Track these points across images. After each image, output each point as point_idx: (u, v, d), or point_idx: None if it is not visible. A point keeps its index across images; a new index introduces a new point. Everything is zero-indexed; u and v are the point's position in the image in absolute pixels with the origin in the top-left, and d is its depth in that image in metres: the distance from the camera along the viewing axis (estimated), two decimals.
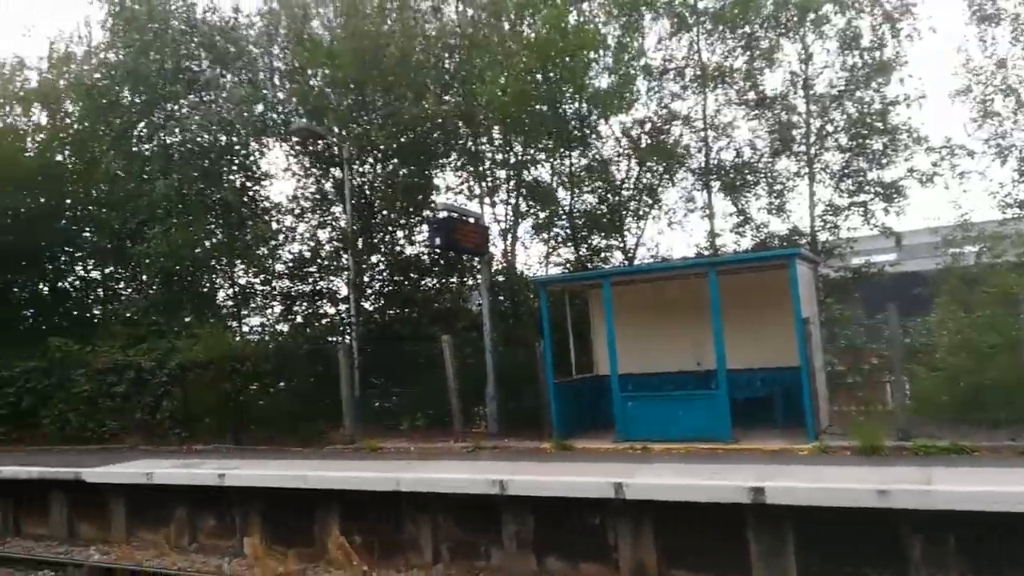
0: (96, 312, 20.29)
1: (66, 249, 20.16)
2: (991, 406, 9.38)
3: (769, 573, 7.44)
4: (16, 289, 20.06)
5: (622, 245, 17.32)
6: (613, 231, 17.35)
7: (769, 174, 15.99)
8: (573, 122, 16.69)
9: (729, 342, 10.72)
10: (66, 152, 19.90)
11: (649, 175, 17.21)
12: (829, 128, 15.53)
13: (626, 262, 16.85)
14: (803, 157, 15.60)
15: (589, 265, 17.03)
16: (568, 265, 17.68)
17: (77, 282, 20.91)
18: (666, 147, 16.63)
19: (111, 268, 20.17)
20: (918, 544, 6.92)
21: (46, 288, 20.63)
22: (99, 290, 20.75)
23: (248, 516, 10.32)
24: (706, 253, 16.10)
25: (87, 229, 19.55)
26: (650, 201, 17.21)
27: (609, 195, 17.38)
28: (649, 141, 16.94)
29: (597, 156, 17.49)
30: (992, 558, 6.71)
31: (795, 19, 15.39)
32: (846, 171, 15.26)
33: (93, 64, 20.20)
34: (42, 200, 19.21)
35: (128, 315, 17.80)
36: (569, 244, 17.88)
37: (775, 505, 7.28)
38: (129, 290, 19.93)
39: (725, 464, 8.76)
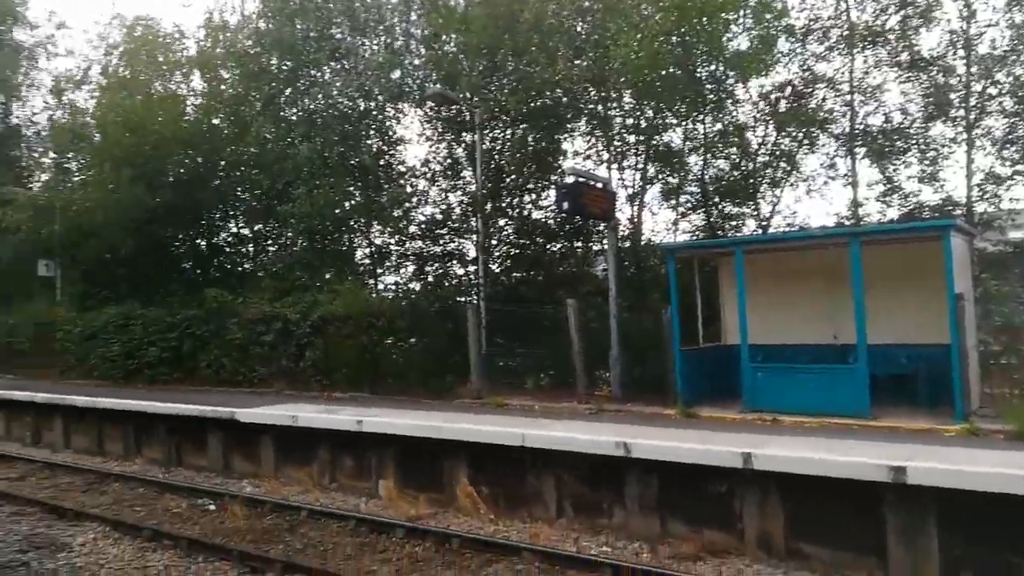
0: (247, 266, 21.92)
1: (220, 207, 21.79)
2: None
3: (907, 557, 7.17)
4: (177, 243, 21.93)
5: (756, 213, 16.79)
6: (746, 198, 16.84)
7: (922, 140, 14.94)
8: (708, 85, 16.22)
9: (871, 316, 10.24)
10: (220, 117, 21.36)
11: (787, 141, 16.51)
12: (992, 91, 14.31)
13: (759, 230, 16.34)
14: (961, 122, 14.47)
15: (720, 233, 16.64)
16: (697, 232, 17.35)
17: (230, 238, 22.63)
18: (807, 111, 15.87)
19: (260, 226, 21.66)
20: None
21: (203, 243, 22.45)
22: (249, 246, 22.37)
23: (383, 460, 10.96)
24: (847, 223, 15.32)
25: (239, 189, 21.01)
26: (787, 168, 16.53)
27: (743, 161, 16.83)
28: (789, 105, 16.21)
29: (732, 121, 16.94)
30: None
31: None
32: (1011, 138, 14.03)
33: (245, 32, 21.53)
34: (199, 161, 20.80)
35: (275, 270, 19.12)
36: (699, 211, 17.53)
37: (917, 486, 6.99)
38: (276, 247, 21.36)
39: (862, 441, 8.46)
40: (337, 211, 18.29)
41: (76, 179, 23.08)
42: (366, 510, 10.05)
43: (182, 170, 20.57)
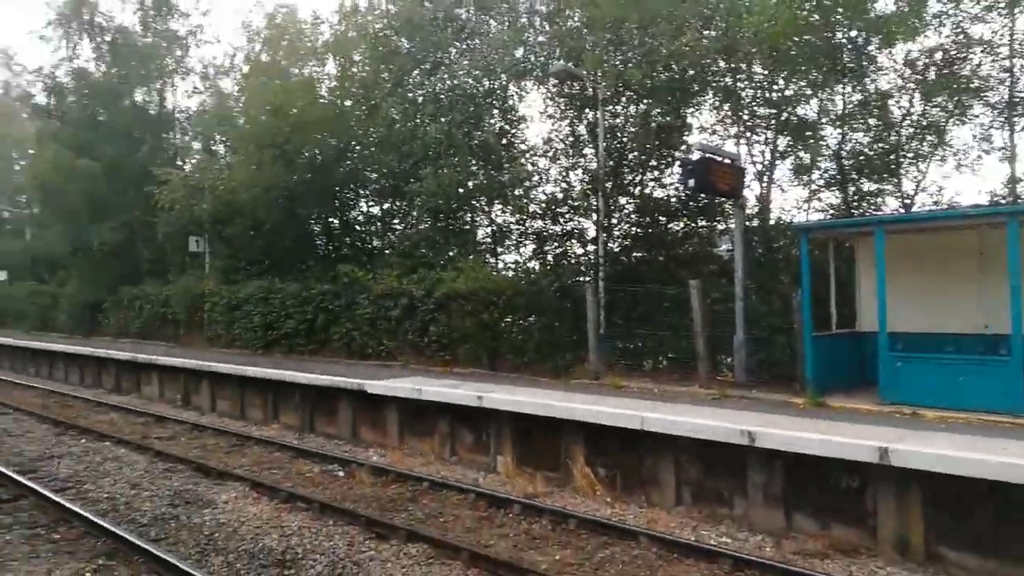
0: (375, 243, 22.81)
1: (352, 187, 22.75)
2: None
3: None
4: (312, 221, 23.13)
5: (898, 190, 15.66)
6: (887, 174, 15.72)
7: None
8: (848, 52, 15.20)
9: None
10: (352, 99, 22.20)
11: (936, 111, 15.24)
12: None
13: (901, 209, 15.24)
14: None
15: (856, 211, 15.65)
16: (831, 211, 16.40)
17: (360, 216, 23.63)
18: (960, 79, 14.55)
19: (388, 204, 22.46)
20: None
21: (336, 221, 23.56)
22: (378, 224, 23.23)
23: (501, 436, 11.18)
24: (1004, 201, 14.00)
25: (369, 169, 21.83)
26: (935, 141, 15.27)
27: (885, 134, 15.70)
28: (939, 72, 14.92)
29: (873, 90, 15.81)
30: None
31: None
32: None
33: (376, 14, 22.21)
34: (332, 143, 21.76)
35: (401, 248, 19.78)
36: (833, 188, 16.54)
37: None
38: (403, 225, 22.08)
39: (1015, 440, 7.78)
40: (460, 190, 18.64)
41: (223, 161, 24.74)
42: (485, 484, 10.29)
43: (317, 151, 21.61)
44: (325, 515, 8.88)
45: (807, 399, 10.54)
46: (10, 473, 10.57)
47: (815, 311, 11.69)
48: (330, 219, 23.43)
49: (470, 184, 18.97)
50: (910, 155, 15.56)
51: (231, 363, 16.73)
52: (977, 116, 15.00)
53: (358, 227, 23.53)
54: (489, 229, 20.16)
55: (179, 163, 28.20)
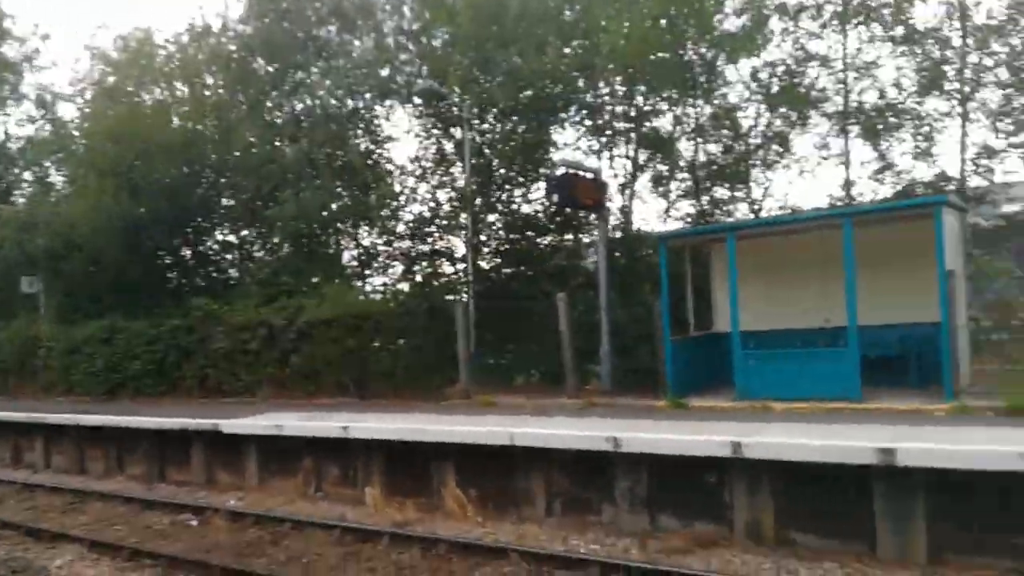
0: (233, 273, 21.63)
1: (206, 214, 21.49)
2: None
3: (894, 540, 6.91)
4: (162, 253, 21.62)
5: (748, 197, 16.47)
6: (738, 182, 16.52)
7: (915, 116, 14.59)
8: (698, 68, 15.91)
9: (862, 297, 10.02)
10: (205, 123, 21.10)
11: (779, 122, 16.18)
12: (988, 63, 13.95)
13: (752, 215, 16.01)
14: (955, 96, 14.11)
15: (711, 219, 16.32)
16: (689, 219, 17.03)
17: (215, 245, 22.31)
18: (799, 91, 15.53)
19: (246, 231, 21.37)
20: None
21: (188, 251, 22.14)
22: (236, 252, 22.05)
23: (369, 467, 10.69)
24: (841, 204, 14.99)
25: (225, 194, 20.74)
26: (780, 149, 16.20)
27: (735, 144, 16.52)
28: (781, 85, 15.88)
29: (723, 103, 16.62)
30: None
31: None
32: (1005, 109, 13.69)
33: (229, 36, 21.25)
34: (185, 169, 20.53)
35: (261, 276, 18.84)
36: (690, 197, 17.21)
37: (906, 467, 6.71)
38: (262, 252, 21.07)
39: (852, 424, 8.18)
40: (324, 213, 18.04)
41: (60, 192, 22.82)
42: (352, 518, 9.76)
43: (167, 179, 20.29)
44: (175, 569, 8.17)
45: (668, 401, 10.74)
46: None
47: (676, 316, 11.98)
48: (183, 250, 22.01)
49: (334, 206, 18.40)
50: (758, 164, 16.41)
51: (68, 412, 15.23)
52: (816, 125, 16.05)
53: (214, 256, 22.25)
54: (355, 252, 19.61)
55: (12, 198, 25.81)
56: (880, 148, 14.89)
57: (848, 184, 15.21)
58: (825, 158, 15.94)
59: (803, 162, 16.23)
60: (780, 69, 15.87)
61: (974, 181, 13.95)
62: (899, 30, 14.61)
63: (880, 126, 14.81)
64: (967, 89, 14.00)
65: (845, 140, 15.37)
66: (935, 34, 14.40)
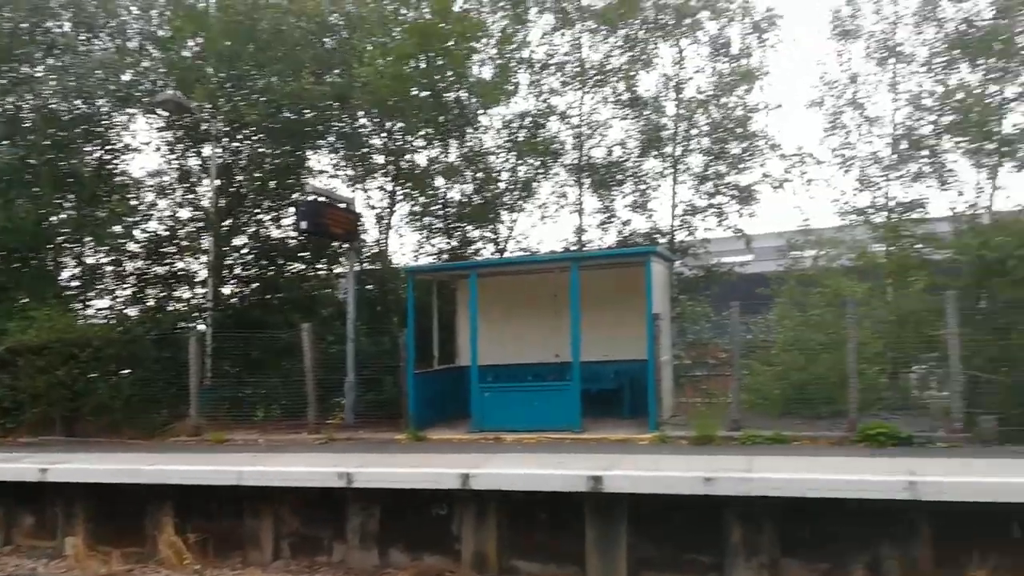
0: None
1: None
2: (814, 400, 10.04)
3: (601, 561, 7.62)
4: None
5: (495, 237, 17.36)
6: (487, 222, 17.35)
7: (636, 173, 16.43)
8: (454, 110, 16.54)
9: (588, 335, 11.00)
10: None
11: (525, 168, 17.31)
12: (694, 131, 16.15)
13: (498, 254, 16.91)
14: (669, 158, 16.14)
15: (463, 255, 16.96)
16: (442, 255, 17.55)
17: None
18: (542, 142, 16.78)
19: None
20: (738, 528, 7.27)
21: None
22: None
23: (72, 513, 9.60)
24: (573, 248, 16.39)
25: None
26: (524, 194, 17.31)
27: (485, 186, 17.36)
28: (526, 135, 17.04)
29: (476, 147, 17.43)
30: (802, 541, 7.15)
31: (672, 22, 15.92)
32: (706, 173, 15.91)
33: None
34: None
35: None
36: (444, 234, 17.75)
37: (611, 493, 7.47)
38: None
39: (572, 453, 8.92)
40: (42, 225, 15.98)
41: None
42: (44, 573, 8.67)
43: None
44: None
45: (408, 435, 10.93)
46: None
47: (422, 350, 12.25)
48: None
49: (54, 219, 16.38)
50: (505, 206, 17.39)
51: None
52: (557, 175, 17.39)
53: None
54: (77, 270, 17.53)
55: None
56: (606, 200, 16.54)
57: (580, 231, 16.67)
58: (563, 206, 17.35)
59: (545, 208, 17.53)
60: (527, 120, 17.07)
61: (681, 235, 16.01)
62: (626, 95, 16.41)
63: (607, 180, 16.46)
64: (678, 153, 16.09)
65: (580, 190, 16.85)
66: (654, 103, 16.39)
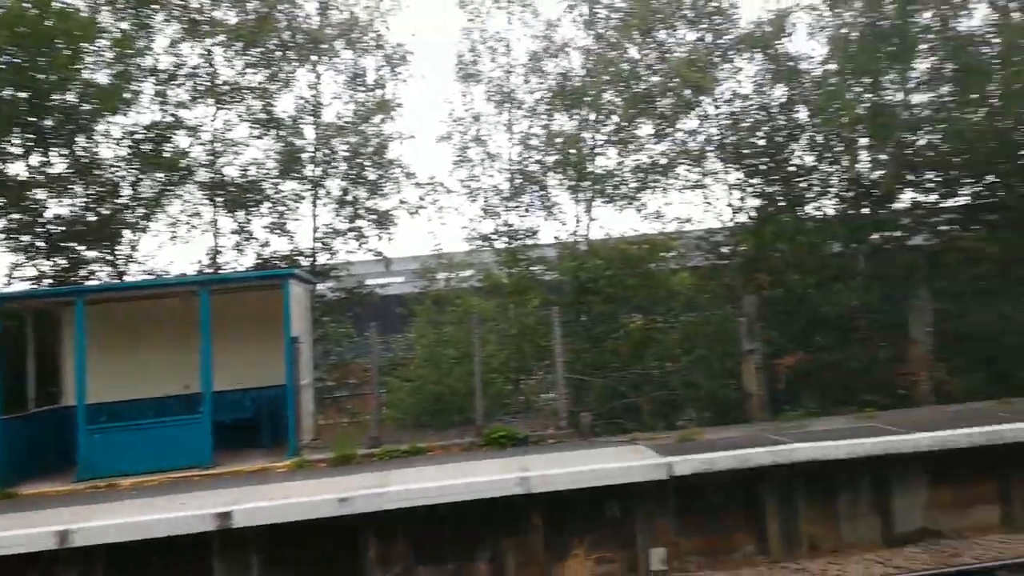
0: None
1: None
2: (448, 410, 10.76)
3: None
4: None
5: (114, 258, 15.44)
6: (104, 242, 15.37)
7: (275, 195, 16.01)
8: (59, 116, 14.40)
9: (223, 363, 10.45)
10: None
11: (150, 183, 15.73)
12: (333, 156, 16.26)
13: (118, 277, 15.07)
14: (308, 181, 16.02)
15: (74, 279, 14.75)
16: (45, 279, 15.05)
17: None
18: (168, 156, 15.43)
19: None
20: (374, 543, 7.43)
21: None
22: None
23: None
24: (208, 270, 15.34)
25: None
26: (148, 212, 15.71)
27: (102, 202, 15.36)
28: (153, 147, 15.51)
29: (89, 157, 15.35)
30: (434, 546, 7.57)
31: (310, 46, 15.86)
32: (346, 198, 16.12)
33: None
34: None
35: None
36: (53, 254, 15.26)
37: (241, 528, 7.09)
38: None
39: (201, 491, 8.30)
40: None
41: None
42: None
43: None
44: None
45: None
46: None
47: (15, 391, 10.40)
48: None
49: None
50: (127, 225, 15.58)
51: None
52: (190, 192, 16.08)
53: None
54: None
55: None
56: (241, 221, 15.82)
57: (216, 252, 15.67)
58: (195, 226, 16.14)
59: (175, 227, 16.11)
60: (153, 132, 15.59)
61: (323, 257, 15.95)
62: (262, 115, 15.93)
63: (243, 200, 15.76)
64: (318, 175, 16.04)
65: (214, 210, 15.85)
66: (293, 125, 16.16)
